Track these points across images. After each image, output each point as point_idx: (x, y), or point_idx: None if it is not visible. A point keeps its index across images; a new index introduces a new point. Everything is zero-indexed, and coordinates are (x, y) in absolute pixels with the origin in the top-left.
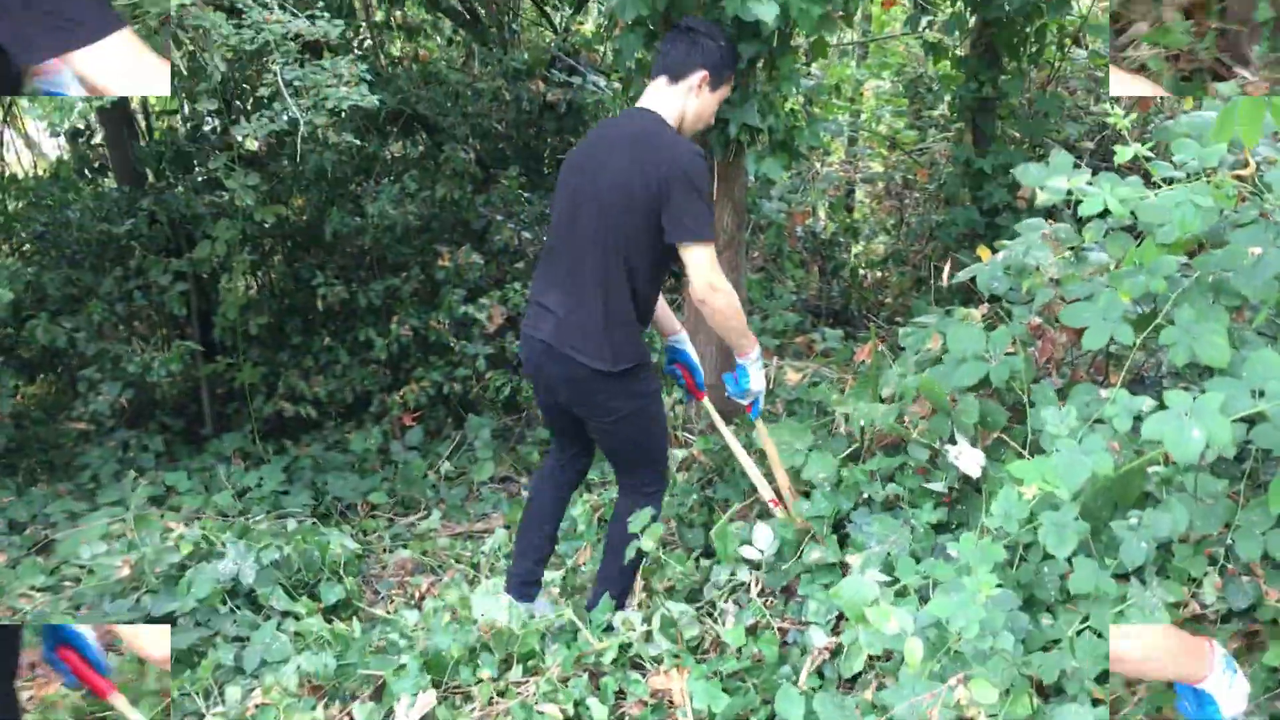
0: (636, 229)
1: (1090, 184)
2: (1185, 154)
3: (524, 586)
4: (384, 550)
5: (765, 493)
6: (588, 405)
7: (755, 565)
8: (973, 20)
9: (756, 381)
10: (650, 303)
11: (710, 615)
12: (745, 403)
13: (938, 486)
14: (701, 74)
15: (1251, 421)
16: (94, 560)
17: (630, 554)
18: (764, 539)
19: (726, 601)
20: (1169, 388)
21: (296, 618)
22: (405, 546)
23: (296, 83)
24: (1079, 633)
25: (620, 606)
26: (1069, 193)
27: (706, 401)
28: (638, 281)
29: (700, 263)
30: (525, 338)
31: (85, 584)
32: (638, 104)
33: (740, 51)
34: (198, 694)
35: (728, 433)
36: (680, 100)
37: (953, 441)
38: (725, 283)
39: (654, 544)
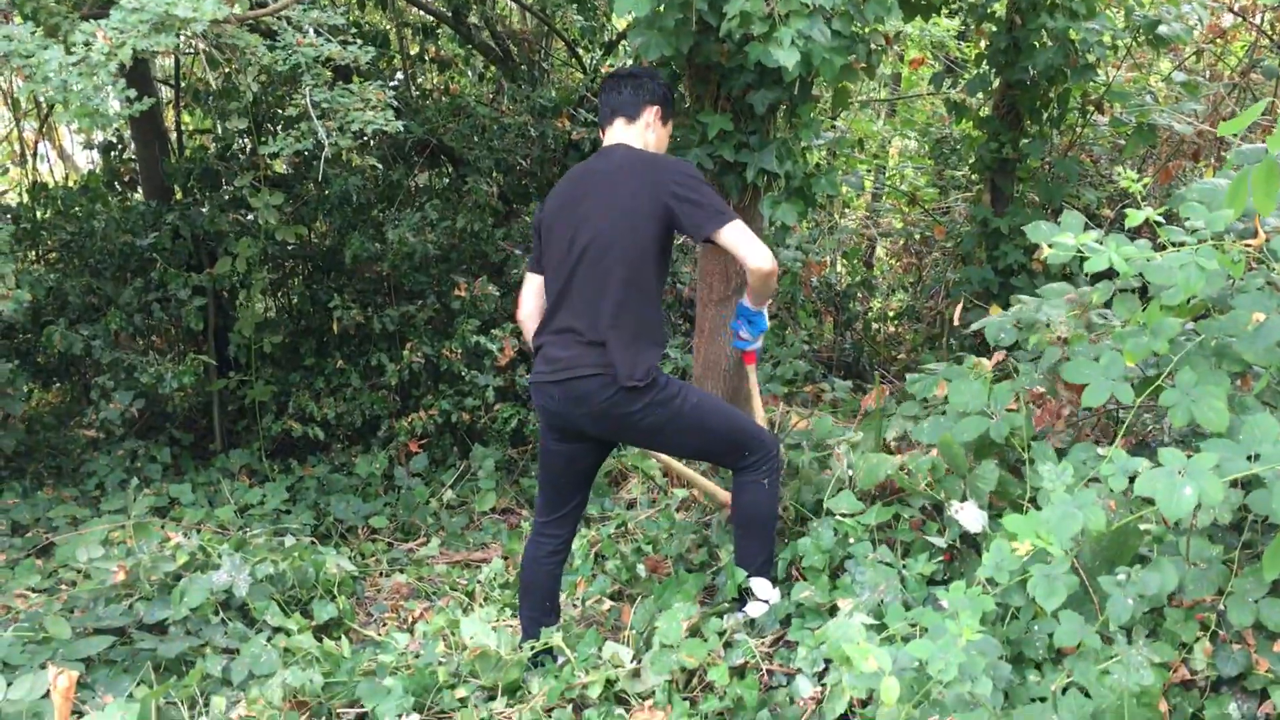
0: (647, 248)
1: (1098, 243)
2: (1194, 218)
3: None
4: (380, 574)
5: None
6: (627, 428)
7: (751, 623)
8: (996, 82)
9: (759, 329)
10: (661, 319)
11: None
12: (752, 348)
13: (938, 541)
14: (654, 109)
15: (1248, 487)
16: (90, 564)
17: (760, 528)
18: (757, 608)
19: (719, 643)
20: None
21: (287, 633)
22: (402, 571)
23: (324, 104)
24: (1064, 689)
25: (766, 575)
26: (1078, 252)
27: (752, 368)
28: (653, 299)
29: (745, 237)
30: (540, 386)
31: (80, 588)
32: (605, 145)
33: (762, 98)
34: (183, 702)
35: (754, 380)
36: (640, 136)
37: (962, 499)
38: (770, 251)
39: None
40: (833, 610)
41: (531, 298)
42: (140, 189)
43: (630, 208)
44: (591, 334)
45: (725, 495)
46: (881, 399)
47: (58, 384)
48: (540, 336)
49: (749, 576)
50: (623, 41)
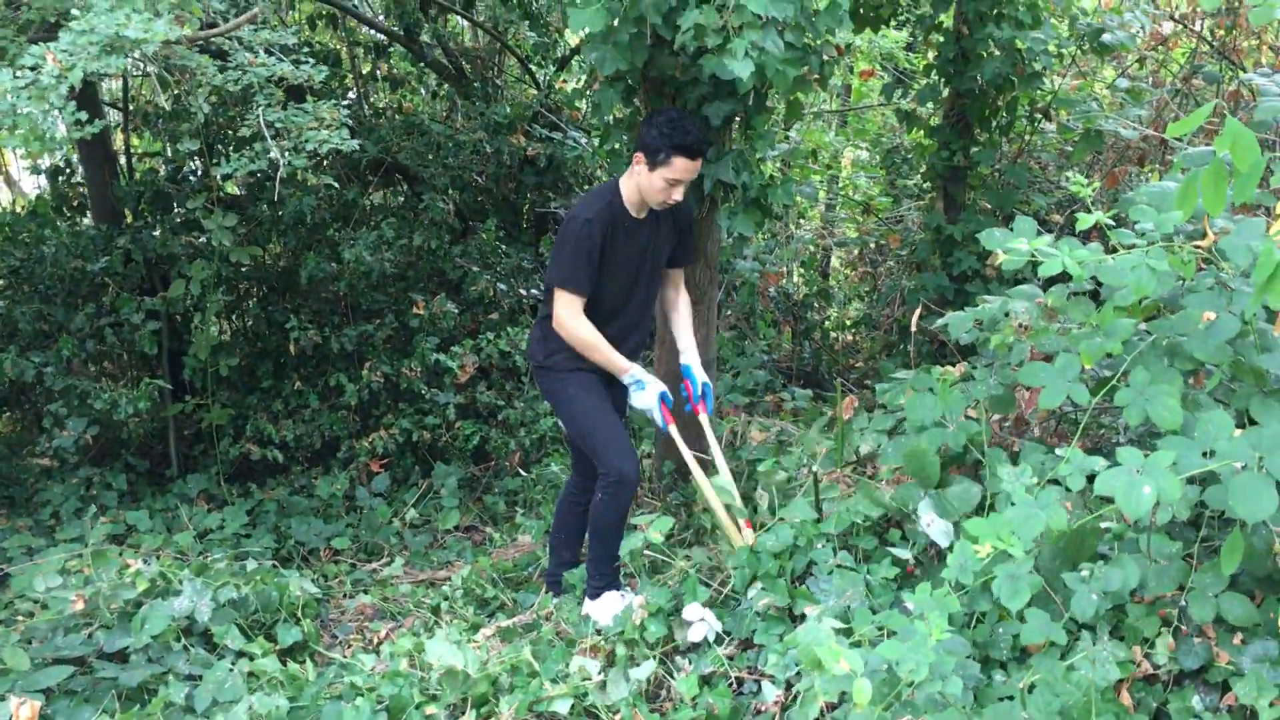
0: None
1: (1051, 248)
2: (1144, 221)
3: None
4: (344, 595)
5: (722, 515)
6: (543, 395)
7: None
8: (946, 91)
9: (635, 400)
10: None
11: (670, 663)
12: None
13: (902, 553)
14: (637, 154)
15: (1205, 484)
16: (48, 594)
17: (625, 551)
18: (699, 630)
19: (685, 654)
20: None
21: (251, 658)
22: (366, 592)
23: (277, 124)
24: (1031, 687)
25: (610, 585)
26: (1032, 257)
27: (703, 418)
28: (548, 300)
29: (555, 303)
30: None
31: (38, 618)
32: None
33: (717, 109)
34: None
35: (715, 447)
36: (633, 175)
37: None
38: (572, 322)
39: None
40: (794, 615)
41: None
42: (89, 213)
43: None
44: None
45: (737, 538)
46: (849, 411)
47: (9, 412)
48: None
49: (589, 576)
50: (576, 57)
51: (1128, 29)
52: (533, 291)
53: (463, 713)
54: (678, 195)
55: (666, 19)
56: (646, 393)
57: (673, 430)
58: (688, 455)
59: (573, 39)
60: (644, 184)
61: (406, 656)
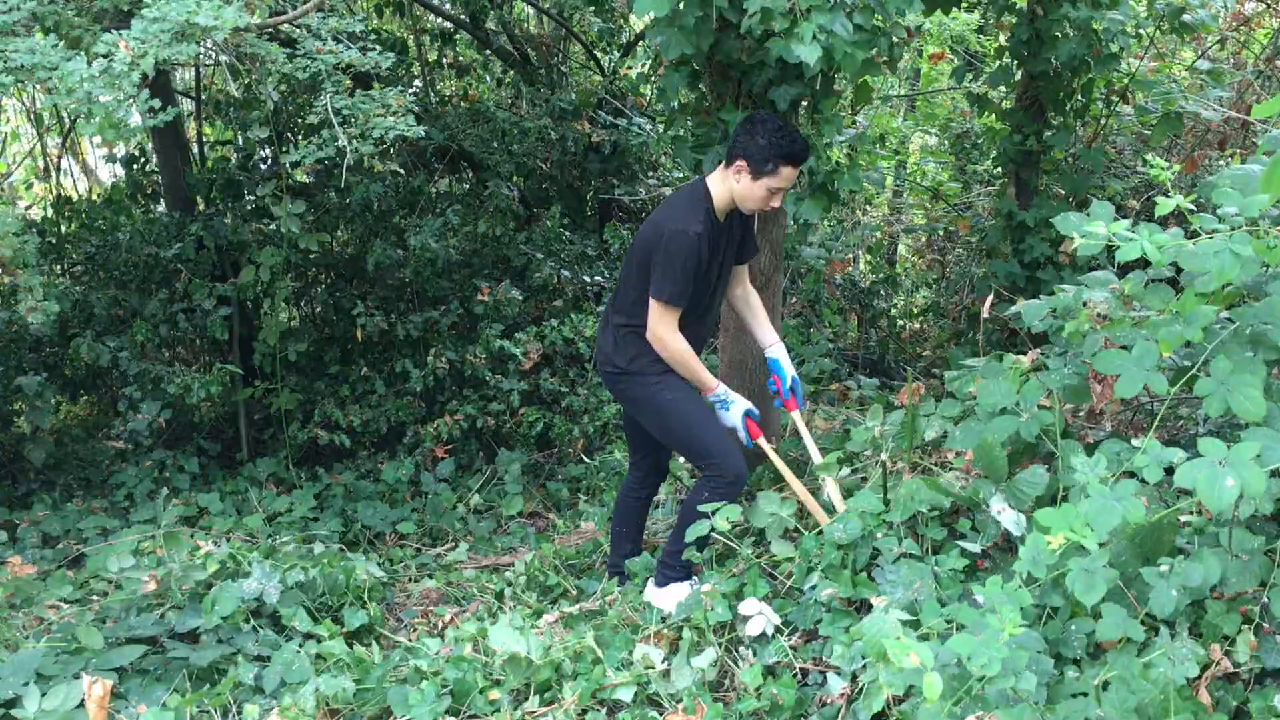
0: (630, 272)
1: (1129, 232)
2: (1227, 204)
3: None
4: (409, 579)
5: (810, 504)
6: (619, 400)
7: (757, 637)
8: (1019, 73)
9: (720, 418)
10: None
11: (734, 652)
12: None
13: (972, 546)
14: (739, 162)
15: None
16: (122, 574)
17: (690, 537)
18: (757, 623)
19: (749, 644)
20: None
21: (318, 640)
22: (431, 576)
23: (345, 112)
24: (1106, 684)
25: (683, 575)
26: (1108, 242)
27: (796, 414)
28: (630, 310)
29: (652, 316)
30: None
31: (112, 598)
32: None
33: (784, 94)
34: (216, 710)
35: (809, 438)
36: (728, 181)
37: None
38: (670, 338)
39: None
40: (860, 606)
41: None
42: (163, 201)
43: (637, 238)
44: (600, 325)
45: (822, 515)
46: (916, 397)
47: (85, 396)
48: None
49: (661, 564)
50: (641, 42)
51: (1209, 8)
52: (596, 279)
53: (526, 698)
54: (777, 202)
55: (732, 2)
56: (731, 412)
57: (763, 444)
58: (778, 462)
59: (638, 24)
60: (742, 191)
61: (470, 641)
